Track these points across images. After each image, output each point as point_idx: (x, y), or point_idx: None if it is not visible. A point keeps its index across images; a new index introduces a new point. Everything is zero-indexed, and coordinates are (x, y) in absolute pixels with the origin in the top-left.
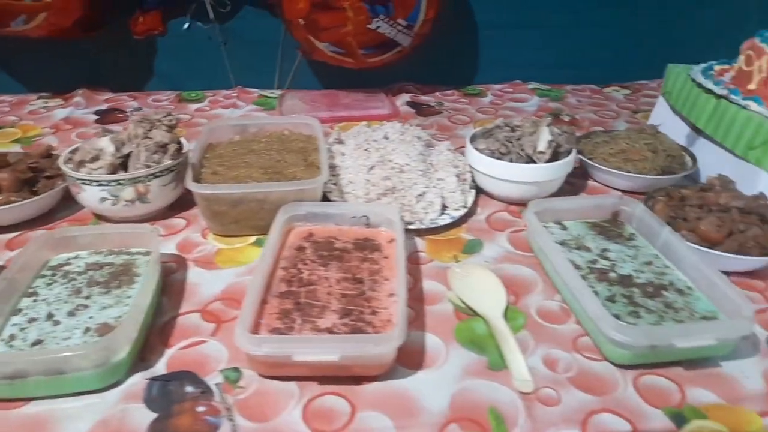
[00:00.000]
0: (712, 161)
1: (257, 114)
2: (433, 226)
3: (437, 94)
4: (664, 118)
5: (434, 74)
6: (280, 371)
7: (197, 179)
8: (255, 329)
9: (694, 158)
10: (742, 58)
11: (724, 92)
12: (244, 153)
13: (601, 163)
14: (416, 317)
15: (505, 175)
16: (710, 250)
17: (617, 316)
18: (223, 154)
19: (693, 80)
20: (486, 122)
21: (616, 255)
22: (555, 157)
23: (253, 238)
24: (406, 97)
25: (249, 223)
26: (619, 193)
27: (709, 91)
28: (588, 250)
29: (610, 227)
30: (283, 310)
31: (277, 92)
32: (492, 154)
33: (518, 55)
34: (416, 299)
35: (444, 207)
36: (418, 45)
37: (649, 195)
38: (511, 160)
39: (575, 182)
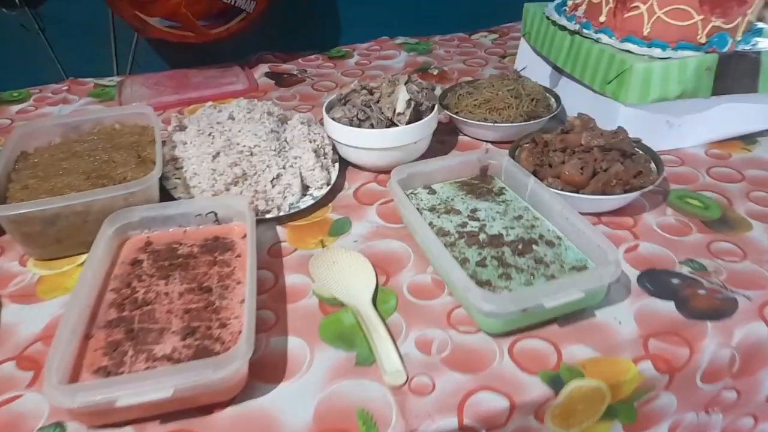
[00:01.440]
0: (575, 100)
1: (91, 107)
2: (294, 210)
3: (300, 60)
4: (528, 60)
5: (296, 40)
6: (110, 419)
7: (2, 198)
8: (75, 374)
9: (558, 99)
10: None
11: (577, 27)
12: (64, 157)
13: (466, 116)
14: (276, 320)
15: (366, 143)
16: (576, 195)
17: (488, 282)
18: (39, 163)
19: (548, 18)
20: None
21: (485, 214)
22: (418, 116)
23: (83, 257)
24: (265, 68)
25: (74, 241)
26: (489, 145)
27: (564, 28)
28: (458, 212)
29: (480, 184)
30: (111, 342)
31: (117, 79)
32: (350, 122)
33: (383, 9)
34: (277, 298)
35: (306, 187)
36: (265, 9)
37: (514, 144)
38: (372, 126)
39: (446, 139)
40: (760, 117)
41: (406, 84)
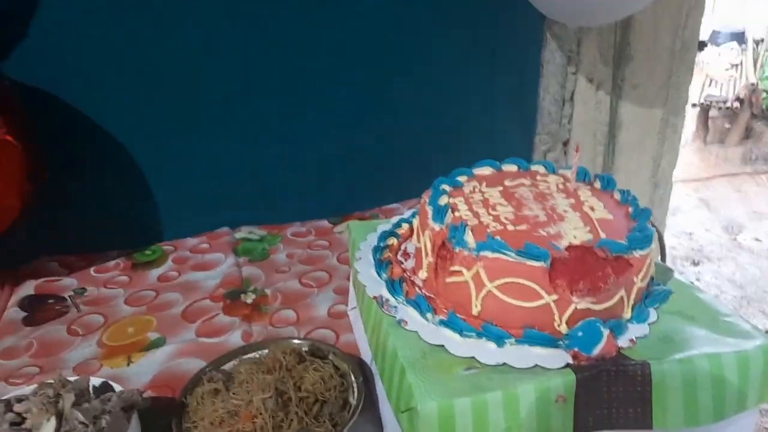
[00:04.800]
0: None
1: None
2: None
3: (91, 271)
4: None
5: (109, 234)
6: None
7: None
8: None
9: (361, 399)
10: (416, 223)
11: (378, 291)
12: None
13: None
14: None
15: None
16: None
17: None
18: None
19: (356, 259)
20: (118, 325)
21: None
22: None
23: None
24: (31, 286)
25: None
26: None
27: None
28: None
29: None
30: None
31: None
32: None
33: (227, 188)
34: None
35: None
36: (22, 211)
37: None
38: None
39: None
40: None
41: (71, 407)
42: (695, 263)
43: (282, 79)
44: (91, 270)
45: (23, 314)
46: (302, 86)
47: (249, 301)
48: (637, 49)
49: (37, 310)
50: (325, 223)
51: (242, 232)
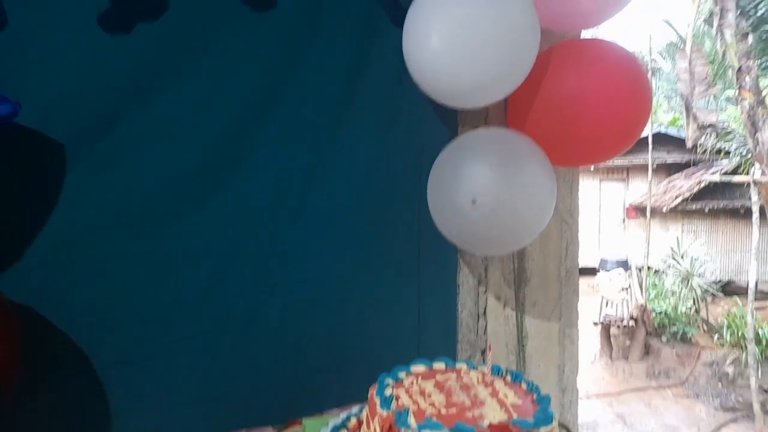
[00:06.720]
0: None
1: None
2: None
3: None
4: None
5: None
6: None
7: None
8: None
9: None
10: (364, 414)
11: None
12: None
13: None
14: None
15: None
16: None
17: None
18: None
19: None
20: None
21: None
22: None
23: None
24: None
25: None
26: None
27: None
28: None
29: None
30: None
31: None
32: None
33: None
34: None
35: None
36: None
37: None
38: None
39: None
40: None
41: None
42: None
43: (222, 291)
44: None
45: None
46: (240, 298)
47: None
48: (532, 274)
49: None
50: (269, 430)
51: None
